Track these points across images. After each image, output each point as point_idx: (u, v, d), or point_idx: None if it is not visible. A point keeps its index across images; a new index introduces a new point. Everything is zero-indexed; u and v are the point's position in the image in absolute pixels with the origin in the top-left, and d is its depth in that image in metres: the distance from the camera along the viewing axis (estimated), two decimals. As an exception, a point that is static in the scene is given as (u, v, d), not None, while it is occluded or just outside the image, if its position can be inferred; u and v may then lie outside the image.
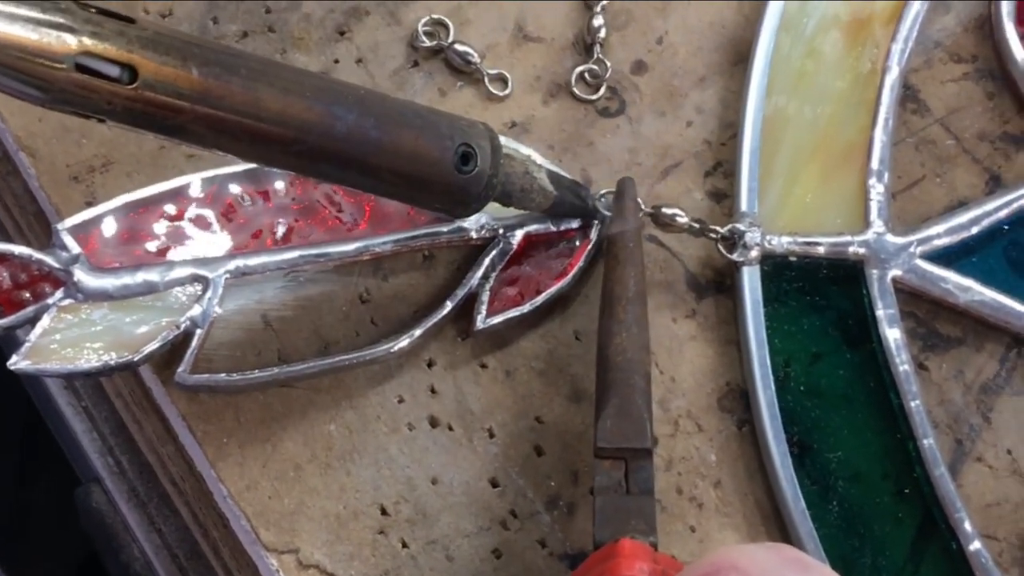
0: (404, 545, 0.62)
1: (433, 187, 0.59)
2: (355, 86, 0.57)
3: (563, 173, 0.66)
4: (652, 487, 0.57)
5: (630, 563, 0.51)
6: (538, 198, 0.64)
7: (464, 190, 0.60)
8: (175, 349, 0.62)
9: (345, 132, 0.56)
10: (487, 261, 0.66)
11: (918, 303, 0.68)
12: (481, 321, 0.65)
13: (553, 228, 0.67)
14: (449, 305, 0.65)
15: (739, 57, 0.72)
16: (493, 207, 0.64)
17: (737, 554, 0.47)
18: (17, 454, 1.11)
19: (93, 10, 0.49)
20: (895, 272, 0.66)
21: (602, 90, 0.72)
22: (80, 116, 0.51)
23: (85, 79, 0.49)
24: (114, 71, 0.50)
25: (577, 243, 0.67)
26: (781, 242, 0.66)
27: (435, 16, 0.72)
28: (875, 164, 0.68)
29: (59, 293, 0.61)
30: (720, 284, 0.68)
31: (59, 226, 0.62)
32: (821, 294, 0.67)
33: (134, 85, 0.50)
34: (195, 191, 0.65)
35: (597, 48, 0.72)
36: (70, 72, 0.49)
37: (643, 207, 0.66)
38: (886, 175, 0.68)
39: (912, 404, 0.64)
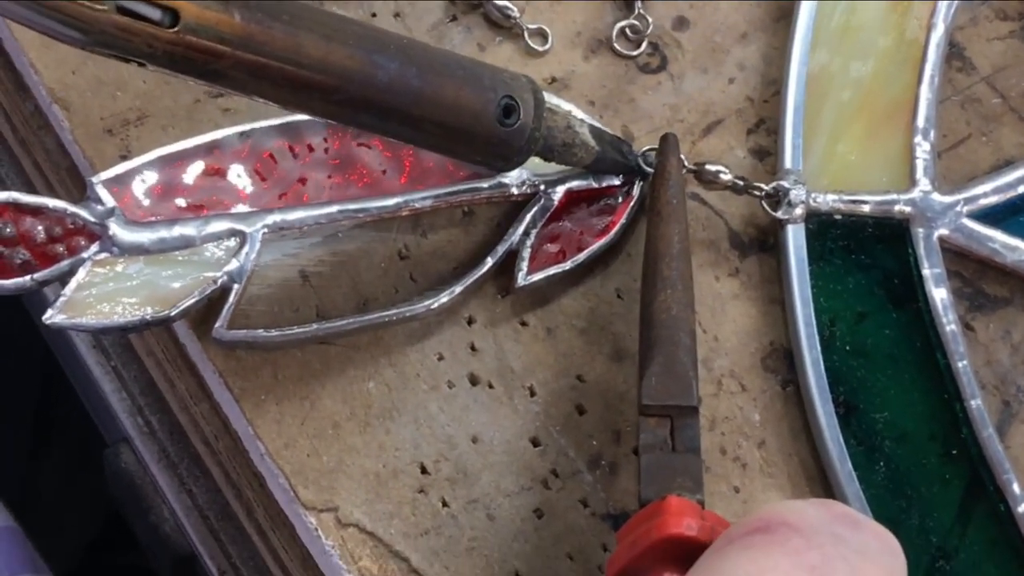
0: (444, 504, 0.61)
1: (474, 140, 0.58)
2: (398, 35, 0.56)
3: (605, 128, 0.65)
4: (698, 445, 0.56)
5: (678, 520, 0.50)
6: (580, 153, 0.63)
7: (506, 143, 0.59)
8: (211, 305, 0.61)
9: (387, 81, 0.55)
10: (528, 217, 0.65)
11: (964, 263, 0.67)
12: (522, 278, 0.64)
13: (595, 184, 0.66)
14: (489, 262, 0.64)
15: (782, 13, 0.72)
16: (534, 163, 0.63)
17: (787, 510, 0.46)
18: (37, 417, 1.10)
19: (136, -48, 0.48)
20: (941, 231, 0.65)
21: (643, 46, 0.71)
22: (120, 59, 0.50)
23: (126, 21, 0.48)
24: (155, 14, 0.49)
25: (619, 200, 0.66)
26: (826, 200, 0.65)
27: (474, -30, 0.71)
28: (921, 122, 0.67)
29: (94, 247, 0.60)
30: (764, 242, 0.67)
31: (94, 179, 0.61)
32: (867, 253, 0.66)
33: (175, 28, 0.49)
34: (231, 145, 0.63)
35: (638, 3, 0.71)
36: (111, 14, 0.48)
37: (686, 164, 0.65)
38: (932, 133, 0.67)
39: (959, 364, 0.63)
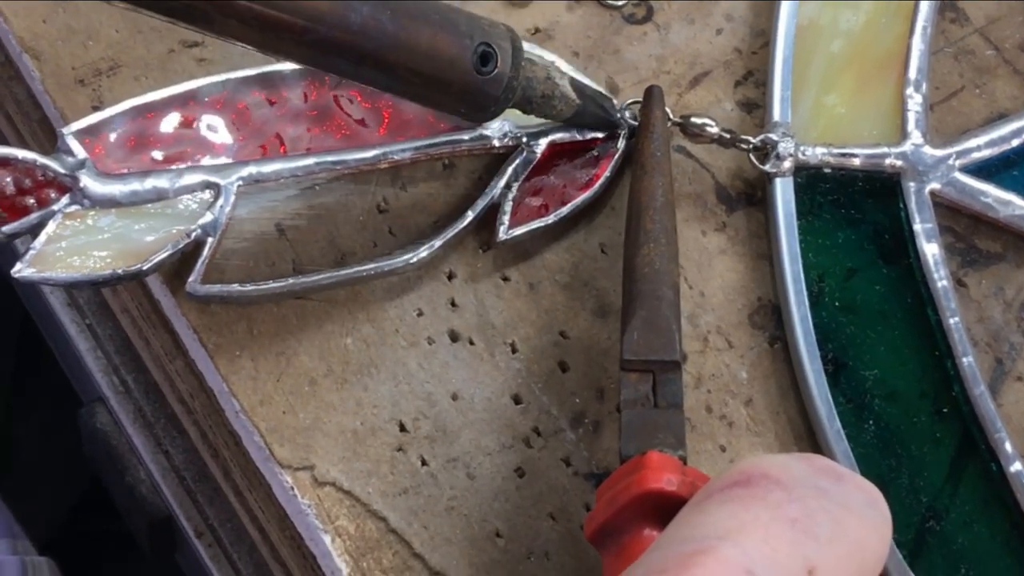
0: (423, 463, 0.60)
1: (450, 88, 0.57)
2: None
3: (587, 81, 0.63)
4: (681, 400, 0.55)
5: (657, 475, 0.49)
6: (560, 105, 0.61)
7: (483, 92, 0.58)
8: (185, 259, 0.60)
9: (359, 23, 0.53)
10: (510, 170, 0.63)
11: (957, 217, 0.65)
12: (504, 232, 0.63)
13: (579, 136, 0.64)
14: (470, 215, 0.63)
15: (771, -38, 0.70)
16: (516, 114, 0.62)
17: (768, 463, 0.45)
18: (14, 378, 1.09)
19: None
20: (933, 185, 0.64)
21: (629, -5, 0.70)
22: None
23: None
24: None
25: (604, 153, 0.65)
26: (815, 153, 0.64)
27: (455, -82, 0.69)
28: (913, 74, 0.66)
29: (65, 199, 0.59)
30: (751, 196, 0.66)
31: (64, 130, 0.60)
32: (856, 207, 0.65)
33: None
34: (206, 96, 0.62)
35: (624, -48, 0.70)
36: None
37: (671, 116, 0.64)
38: (924, 85, 0.66)
39: (951, 321, 0.62)
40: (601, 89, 0.65)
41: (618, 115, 0.64)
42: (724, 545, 0.41)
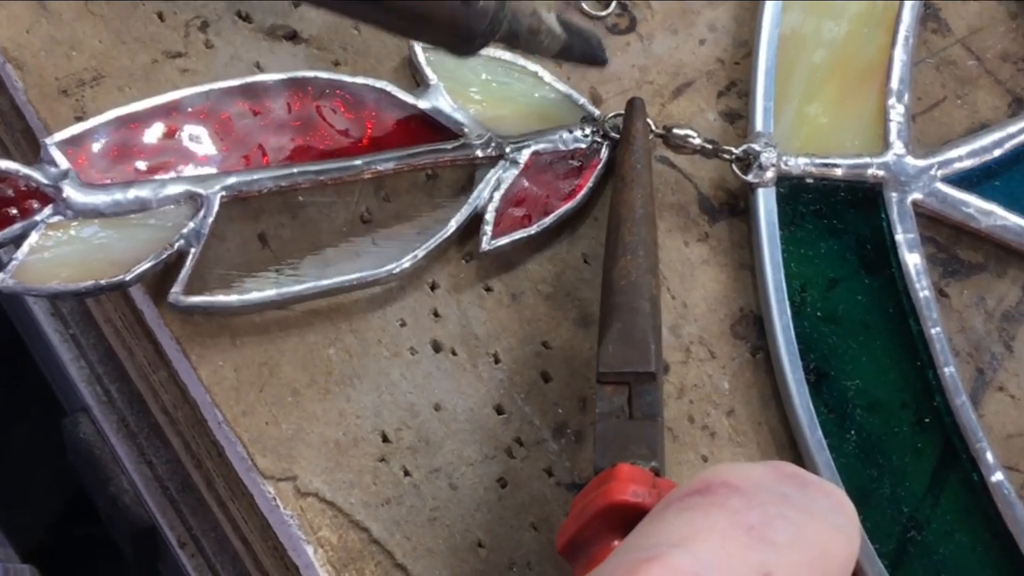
0: (406, 473, 0.60)
1: (436, 19, 0.57)
2: None
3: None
4: (657, 412, 0.55)
5: (624, 487, 0.49)
6: (547, 41, 0.62)
7: (468, 25, 0.58)
8: (168, 270, 0.60)
9: None
10: (493, 180, 0.63)
11: (938, 228, 0.66)
12: (487, 242, 0.63)
13: (561, 147, 0.64)
14: (453, 226, 0.63)
15: (754, -27, 0.70)
16: (497, 125, 0.62)
17: (729, 471, 0.45)
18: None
19: None
20: (915, 195, 0.64)
21: (612, 6, 0.69)
22: None
23: None
24: None
25: (586, 163, 0.65)
26: (798, 163, 0.64)
27: (438, -71, 0.70)
28: (895, 84, 0.66)
29: (48, 210, 0.59)
30: (734, 207, 0.66)
31: (48, 141, 0.60)
32: (839, 217, 0.65)
33: None
34: (189, 106, 0.62)
35: (607, -38, 0.70)
36: None
37: (653, 128, 0.64)
38: (906, 95, 0.66)
39: (932, 331, 0.62)
40: (585, 95, 0.65)
41: (604, 53, 0.65)
42: (675, 552, 0.41)
